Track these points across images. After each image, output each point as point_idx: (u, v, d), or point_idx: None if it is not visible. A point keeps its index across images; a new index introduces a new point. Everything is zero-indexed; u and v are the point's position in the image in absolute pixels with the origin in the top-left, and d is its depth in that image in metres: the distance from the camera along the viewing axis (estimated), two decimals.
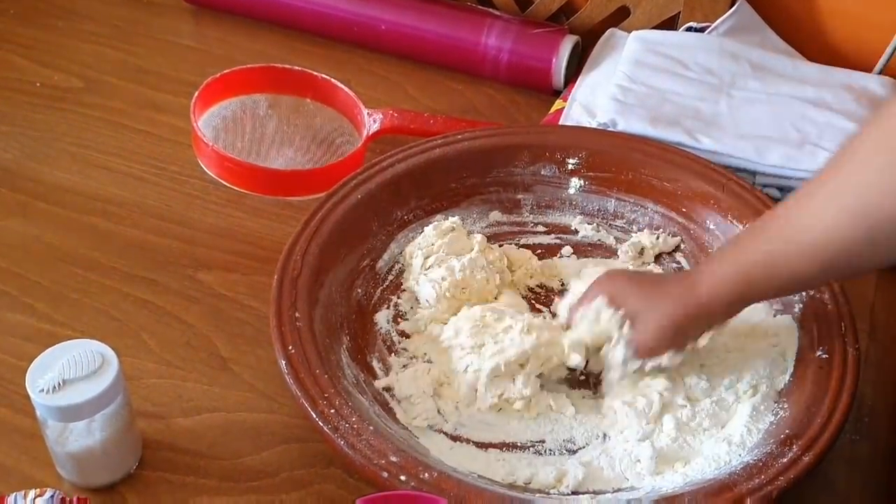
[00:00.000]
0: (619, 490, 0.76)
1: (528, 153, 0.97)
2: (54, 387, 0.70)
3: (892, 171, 0.66)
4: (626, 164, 0.96)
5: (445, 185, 0.95)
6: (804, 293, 0.84)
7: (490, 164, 0.97)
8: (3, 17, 1.23)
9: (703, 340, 0.78)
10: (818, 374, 0.79)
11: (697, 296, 0.76)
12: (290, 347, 0.78)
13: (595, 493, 0.75)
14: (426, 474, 0.71)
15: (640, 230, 0.95)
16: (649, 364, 0.78)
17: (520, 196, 0.97)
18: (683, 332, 0.77)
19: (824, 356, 0.80)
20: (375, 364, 0.84)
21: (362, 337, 0.86)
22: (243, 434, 0.80)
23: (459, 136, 0.97)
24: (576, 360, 0.81)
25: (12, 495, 0.74)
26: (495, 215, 0.97)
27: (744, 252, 0.75)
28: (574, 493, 0.75)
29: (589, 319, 0.80)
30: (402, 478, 0.71)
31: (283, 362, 0.77)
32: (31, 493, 0.74)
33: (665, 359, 0.78)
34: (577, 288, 0.85)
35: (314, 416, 0.74)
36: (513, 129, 1.01)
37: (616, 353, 0.79)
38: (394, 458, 0.72)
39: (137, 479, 0.77)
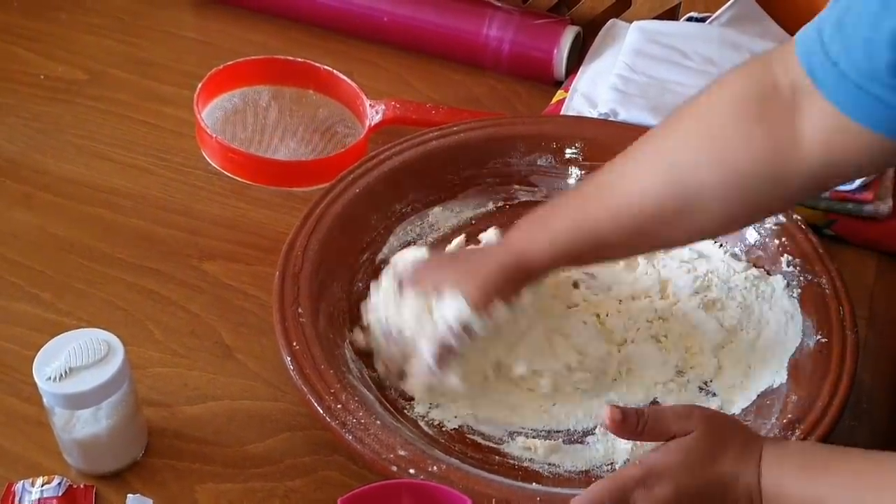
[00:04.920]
0: None
1: (524, 144, 0.97)
2: (61, 375, 0.71)
3: (702, 141, 0.69)
4: None
5: (442, 176, 0.96)
6: (802, 278, 0.85)
7: (486, 155, 0.97)
8: (8, 10, 1.23)
9: (525, 297, 0.80)
10: (818, 358, 0.80)
11: (516, 256, 0.78)
12: (295, 343, 0.78)
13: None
14: (434, 467, 0.72)
15: None
16: (479, 324, 0.77)
17: (516, 186, 0.98)
18: (504, 287, 0.78)
19: (823, 340, 0.80)
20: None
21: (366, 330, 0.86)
22: (248, 421, 0.81)
23: (455, 128, 0.97)
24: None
25: (20, 482, 0.75)
26: (492, 206, 0.97)
27: (558, 217, 0.77)
28: None
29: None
30: (411, 471, 0.71)
31: (289, 359, 0.77)
32: (39, 481, 0.75)
33: (497, 312, 0.78)
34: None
35: (321, 411, 0.75)
36: (508, 120, 1.01)
37: (444, 312, 0.77)
38: (402, 452, 0.72)
39: (143, 466, 0.78)
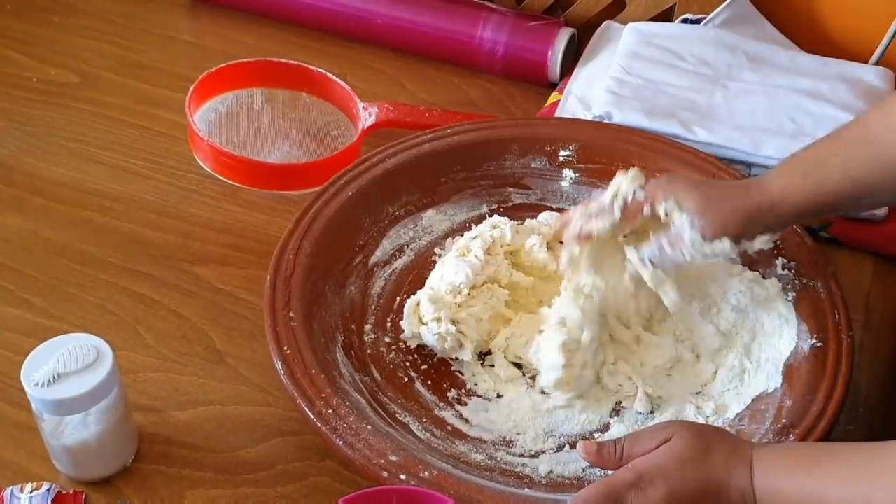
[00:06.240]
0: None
1: (518, 146, 0.97)
2: (49, 380, 0.70)
3: None
4: (616, 155, 0.96)
5: (436, 179, 0.95)
6: (798, 281, 0.85)
7: (480, 157, 0.97)
8: (0, 13, 1.23)
9: (758, 244, 0.80)
10: (813, 362, 0.79)
11: (769, 193, 0.78)
12: (286, 348, 0.78)
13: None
14: (426, 472, 0.71)
15: None
16: (710, 248, 0.79)
17: (510, 189, 0.97)
18: (746, 224, 0.78)
19: (819, 344, 0.80)
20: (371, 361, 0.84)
21: (357, 334, 0.86)
22: (239, 427, 0.81)
23: (449, 131, 0.97)
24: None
25: (9, 489, 0.75)
26: (486, 209, 0.96)
27: (821, 165, 0.77)
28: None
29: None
30: (402, 476, 0.71)
31: (279, 363, 0.77)
32: (28, 487, 0.75)
33: (725, 246, 0.78)
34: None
35: (312, 416, 0.74)
36: (502, 123, 1.01)
37: (682, 222, 0.79)
38: (393, 458, 0.72)
39: (133, 472, 0.77)
